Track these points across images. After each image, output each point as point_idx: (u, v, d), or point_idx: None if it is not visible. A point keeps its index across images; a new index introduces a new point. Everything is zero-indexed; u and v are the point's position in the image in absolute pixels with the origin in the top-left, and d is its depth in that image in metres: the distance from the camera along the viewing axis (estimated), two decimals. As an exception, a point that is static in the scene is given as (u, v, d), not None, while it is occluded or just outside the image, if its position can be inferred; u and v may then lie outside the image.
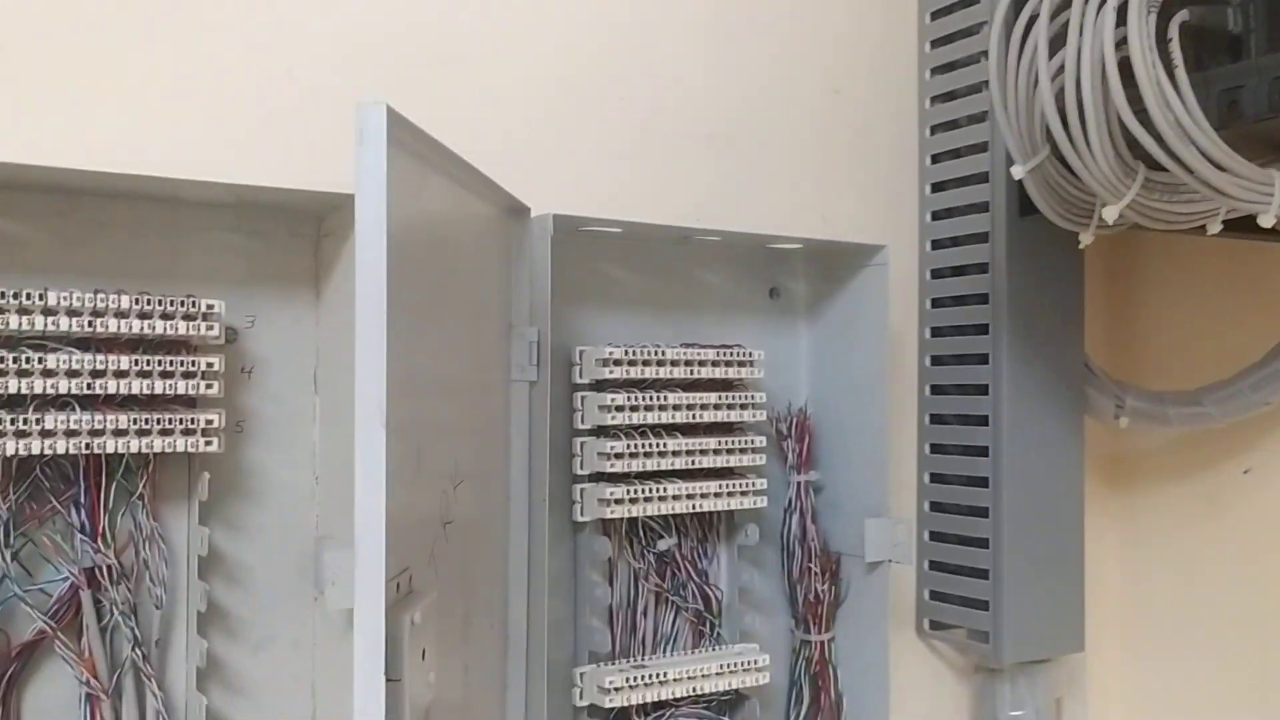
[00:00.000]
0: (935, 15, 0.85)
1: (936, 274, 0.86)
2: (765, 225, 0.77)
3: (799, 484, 0.77)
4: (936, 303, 0.86)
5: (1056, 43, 0.58)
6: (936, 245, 0.86)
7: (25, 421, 0.52)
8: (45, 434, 0.52)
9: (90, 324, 0.53)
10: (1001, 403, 0.80)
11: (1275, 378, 0.79)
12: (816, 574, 0.77)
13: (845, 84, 0.85)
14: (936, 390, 0.86)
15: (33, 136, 0.58)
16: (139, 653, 0.56)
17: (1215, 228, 0.61)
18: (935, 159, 0.86)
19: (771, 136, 0.82)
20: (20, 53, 0.58)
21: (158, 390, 0.55)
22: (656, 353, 0.69)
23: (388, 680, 0.41)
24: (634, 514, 0.69)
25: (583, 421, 0.69)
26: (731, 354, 0.72)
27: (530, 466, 0.63)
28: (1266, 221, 0.56)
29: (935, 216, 0.86)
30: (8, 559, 0.54)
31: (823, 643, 0.77)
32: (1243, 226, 0.67)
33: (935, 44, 0.85)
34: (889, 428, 0.75)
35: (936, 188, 0.86)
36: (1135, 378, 0.89)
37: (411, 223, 0.47)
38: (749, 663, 0.72)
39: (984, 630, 0.81)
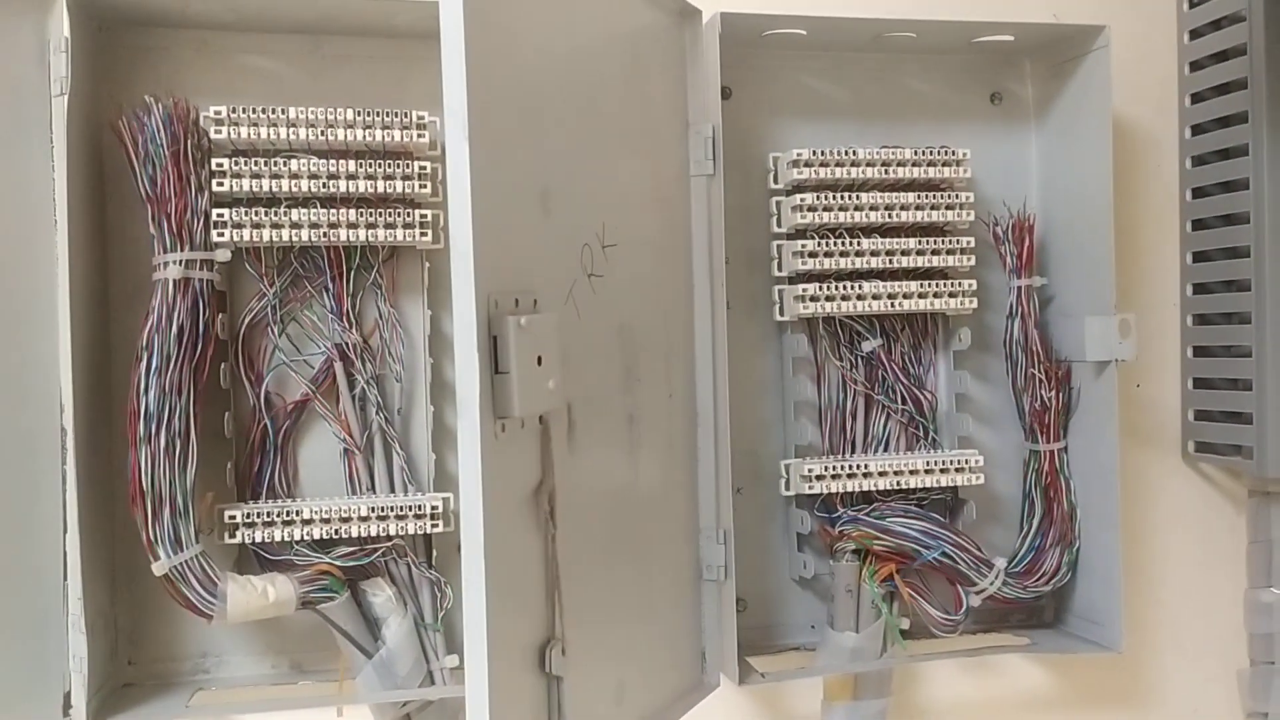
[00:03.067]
0: None
1: (1196, 66, 0.79)
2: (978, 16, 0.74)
3: (1020, 288, 0.74)
4: (1197, 98, 0.79)
5: None
6: (1195, 34, 0.79)
7: (278, 215, 0.63)
8: (294, 226, 0.64)
9: (323, 134, 0.63)
10: (1263, 197, 0.73)
11: None
12: (1042, 381, 0.74)
13: None
14: (1198, 194, 0.79)
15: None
16: (383, 416, 0.67)
17: None
18: (1192, -60, 0.78)
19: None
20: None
21: (381, 190, 0.64)
22: (849, 154, 0.70)
23: (496, 372, 0.47)
24: (830, 311, 0.71)
25: (779, 225, 0.72)
26: (934, 153, 0.71)
27: (711, 258, 0.67)
28: None
29: (1193, 3, 0.79)
30: (277, 335, 0.66)
31: (1053, 453, 0.74)
32: None
33: None
34: (1112, 220, 0.70)
35: (1193, -28, 0.79)
36: None
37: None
38: (961, 462, 0.72)
39: (1249, 445, 0.74)
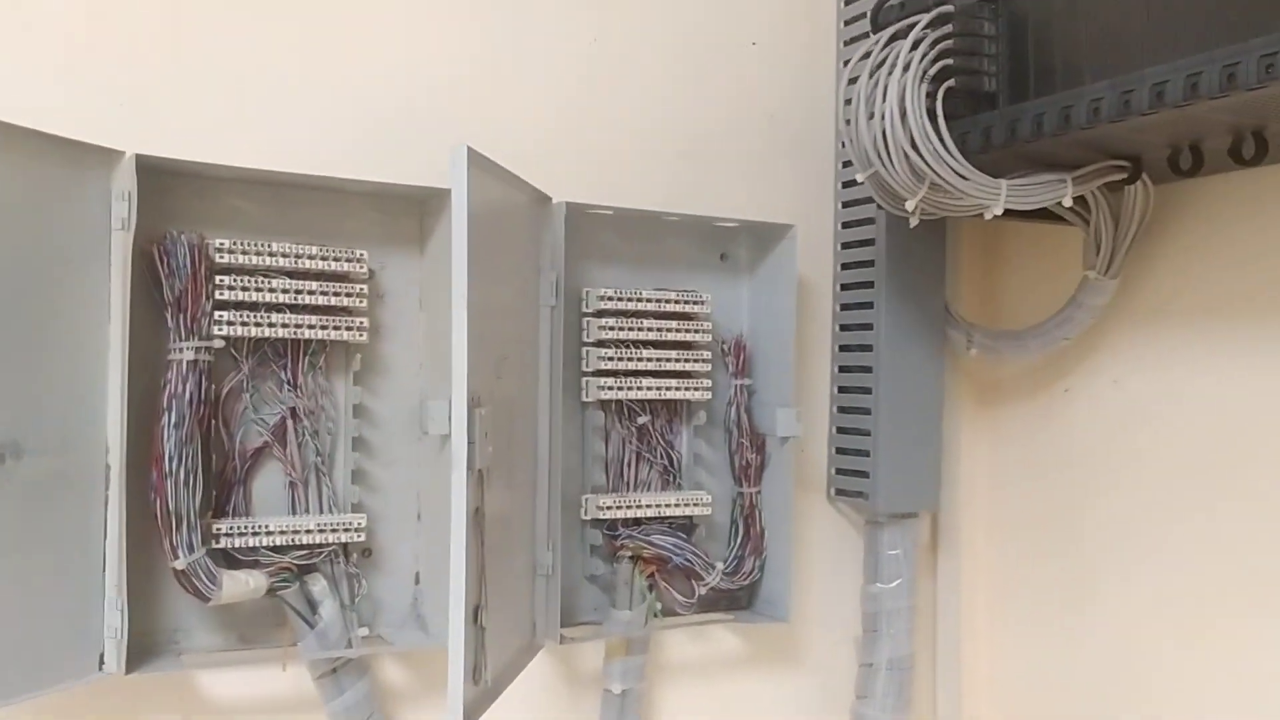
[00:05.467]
0: (848, 65, 1.21)
1: (846, 245, 1.22)
2: (717, 211, 1.13)
3: (736, 386, 1.13)
4: (845, 265, 1.22)
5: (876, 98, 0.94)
6: (846, 225, 1.22)
7: (259, 317, 0.91)
8: (270, 325, 0.91)
9: (295, 262, 0.92)
10: (880, 336, 1.16)
11: (1069, 321, 1.13)
12: (748, 447, 1.13)
13: (780, 114, 1.21)
14: (844, 328, 1.22)
15: (256, 150, 0.96)
16: (319, 459, 0.95)
17: (989, 215, 0.96)
18: (845, 165, 1.22)
19: (727, 153, 1.19)
20: (255, 97, 0.97)
21: (331, 303, 0.93)
22: (637, 293, 1.07)
23: (469, 442, 0.79)
24: (619, 397, 1.06)
25: (587, 337, 1.06)
26: (689, 295, 1.09)
27: (551, 361, 1.01)
28: (995, 211, 0.92)
29: (845, 205, 1.22)
30: (249, 399, 0.93)
31: (752, 494, 1.14)
32: (1040, 216, 1.03)
33: (850, 85, 1.21)
34: (795, 348, 1.11)
35: (845, 185, 1.22)
36: (987, 321, 1.24)
37: (482, 207, 0.85)
38: (696, 499, 1.10)
39: (867, 492, 1.18)
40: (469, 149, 0.78)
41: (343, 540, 0.94)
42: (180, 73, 0.95)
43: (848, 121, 0.98)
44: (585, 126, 1.11)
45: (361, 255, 0.95)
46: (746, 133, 1.20)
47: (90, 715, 0.90)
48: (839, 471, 1.22)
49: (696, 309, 1.10)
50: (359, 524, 0.94)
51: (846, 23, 1.22)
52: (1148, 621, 1.10)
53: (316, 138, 0.99)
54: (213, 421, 0.91)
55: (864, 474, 1.18)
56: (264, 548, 0.91)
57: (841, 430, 1.22)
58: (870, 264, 1.18)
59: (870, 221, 1.18)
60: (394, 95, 1.02)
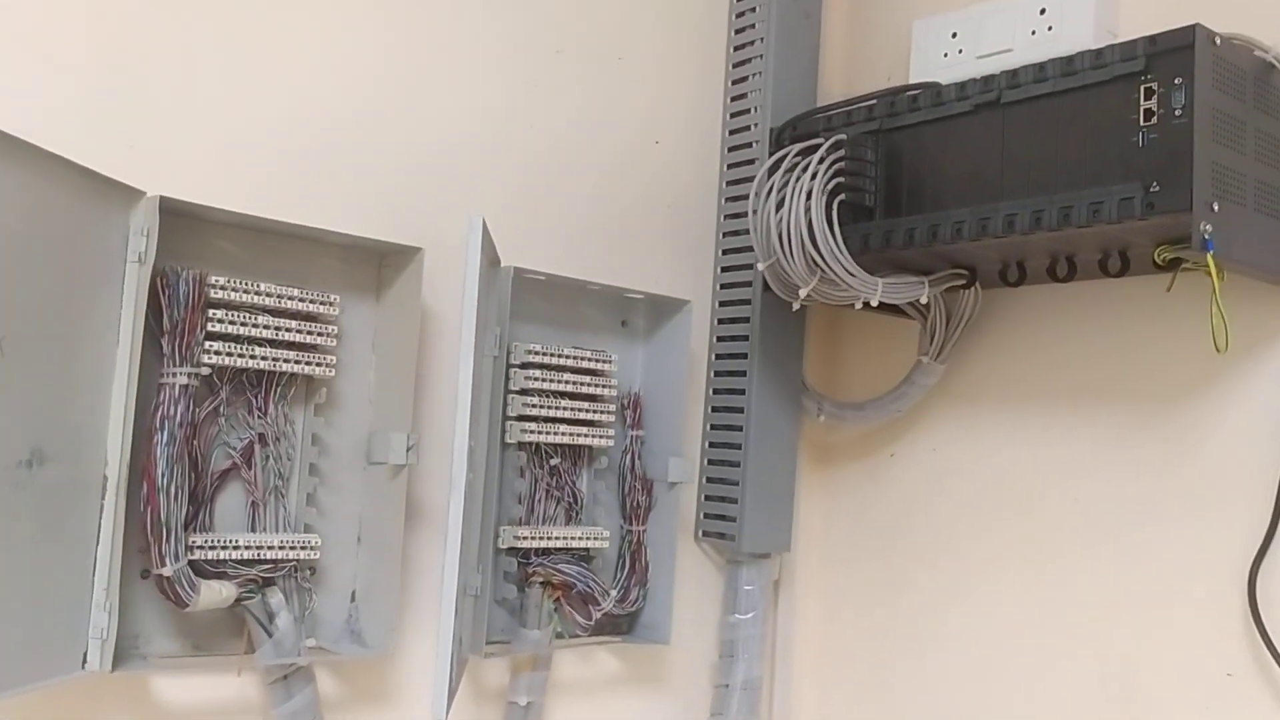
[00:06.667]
0: (731, 169, 1.42)
1: (722, 320, 1.42)
2: (622, 283, 1.30)
3: (631, 435, 1.30)
4: (721, 338, 1.41)
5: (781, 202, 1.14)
6: (723, 303, 1.42)
7: (244, 349, 0.99)
8: (252, 356, 1.00)
9: (278, 301, 1.01)
10: (751, 400, 1.36)
11: (903, 396, 1.36)
12: (639, 490, 1.29)
13: (677, 203, 1.40)
14: (718, 391, 1.41)
15: (245, 197, 1.04)
16: (279, 482, 1.04)
17: (857, 306, 1.17)
18: (725, 252, 1.42)
19: (634, 235, 1.36)
20: (241, 153, 1.06)
21: (305, 340, 1.03)
22: (559, 349, 1.22)
23: (469, 470, 0.91)
24: (538, 440, 1.20)
25: (512, 386, 1.20)
26: (600, 355, 1.25)
27: (491, 406, 1.14)
28: (873, 303, 1.14)
29: (723, 286, 1.42)
30: (222, 423, 1.01)
31: (639, 531, 1.29)
32: (886, 309, 1.25)
33: (730, 185, 1.42)
34: (685, 407, 1.29)
35: (724, 269, 1.42)
36: (833, 393, 1.47)
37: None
38: (597, 534, 1.25)
39: (731, 534, 1.36)
40: (483, 221, 0.92)
41: (300, 558, 1.03)
42: (172, 119, 1.03)
43: (754, 211, 1.18)
44: (515, 199, 1.26)
45: (334, 299, 1.05)
46: (648, 217, 1.38)
47: (50, 714, 0.94)
48: (707, 516, 1.40)
49: (605, 366, 1.26)
50: (315, 543, 1.04)
51: (731, 132, 1.43)
52: (947, 644, 1.33)
53: (305, 200, 1.09)
54: (193, 442, 0.98)
55: (731, 519, 1.37)
56: (231, 561, 0.99)
57: (711, 480, 1.40)
58: (745, 338, 1.38)
59: (746, 302, 1.38)
60: (376, 172, 1.14)
